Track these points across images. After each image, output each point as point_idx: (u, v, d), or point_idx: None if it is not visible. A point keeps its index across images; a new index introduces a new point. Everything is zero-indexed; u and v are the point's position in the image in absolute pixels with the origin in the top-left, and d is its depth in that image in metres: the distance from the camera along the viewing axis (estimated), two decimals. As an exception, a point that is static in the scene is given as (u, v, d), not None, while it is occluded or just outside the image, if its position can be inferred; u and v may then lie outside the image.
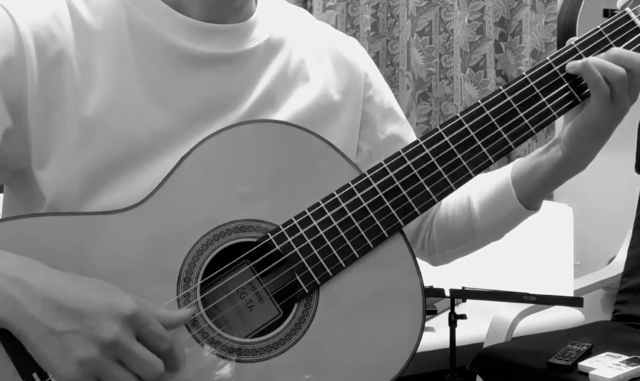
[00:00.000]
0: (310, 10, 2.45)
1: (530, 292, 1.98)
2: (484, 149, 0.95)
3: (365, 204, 0.92)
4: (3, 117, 0.89)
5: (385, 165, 0.94)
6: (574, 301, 2.02)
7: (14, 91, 0.89)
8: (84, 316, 0.79)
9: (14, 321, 0.78)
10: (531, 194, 1.04)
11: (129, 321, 0.80)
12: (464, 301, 2.46)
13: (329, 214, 0.91)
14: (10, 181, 0.97)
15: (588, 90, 0.96)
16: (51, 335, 0.78)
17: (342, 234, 0.91)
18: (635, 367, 1.88)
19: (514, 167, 1.06)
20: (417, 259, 1.19)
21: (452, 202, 1.12)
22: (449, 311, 2.04)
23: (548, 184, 1.03)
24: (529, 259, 2.00)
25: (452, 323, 2.03)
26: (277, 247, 0.90)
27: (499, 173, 1.08)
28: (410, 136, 1.14)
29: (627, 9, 0.98)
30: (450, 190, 0.95)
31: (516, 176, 1.04)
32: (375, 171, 0.93)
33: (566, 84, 0.96)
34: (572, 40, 0.98)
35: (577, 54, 0.97)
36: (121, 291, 0.82)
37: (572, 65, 0.96)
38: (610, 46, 0.97)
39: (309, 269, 0.90)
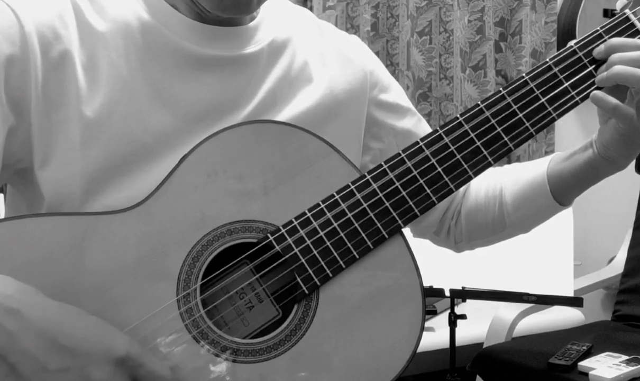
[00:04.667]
0: (310, 10, 2.45)
1: (530, 292, 1.98)
2: (484, 151, 0.95)
3: (365, 205, 0.92)
4: (7, 116, 0.89)
5: (385, 166, 0.94)
6: (574, 301, 2.02)
7: (17, 89, 0.89)
8: (77, 356, 0.77)
9: (7, 353, 0.77)
10: (566, 192, 1.05)
11: (122, 362, 0.78)
12: (464, 301, 2.46)
13: (329, 215, 0.91)
14: (13, 180, 0.97)
15: (588, 92, 0.96)
16: (43, 371, 0.76)
17: (342, 235, 0.91)
18: (635, 367, 1.88)
19: (550, 163, 1.06)
20: (439, 247, 1.20)
21: (484, 193, 1.13)
22: (449, 311, 2.04)
23: (584, 182, 1.04)
24: (529, 259, 2.00)
25: (452, 323, 2.03)
26: (277, 248, 0.90)
27: (533, 167, 1.08)
28: (422, 126, 1.14)
29: (627, 11, 0.98)
30: (451, 191, 0.94)
31: (552, 173, 1.05)
32: (376, 172, 0.93)
33: (566, 85, 0.96)
34: (572, 42, 0.98)
35: (577, 56, 0.97)
36: (116, 329, 0.81)
37: (600, 78, 0.96)
38: None
39: (309, 270, 0.90)
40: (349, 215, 0.92)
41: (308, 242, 0.90)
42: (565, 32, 2.77)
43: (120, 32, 0.94)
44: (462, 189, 1.16)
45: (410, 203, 0.93)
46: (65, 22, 0.92)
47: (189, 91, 0.96)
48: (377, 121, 1.11)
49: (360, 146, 1.10)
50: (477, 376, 2.13)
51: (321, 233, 0.91)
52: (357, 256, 0.91)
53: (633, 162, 2.70)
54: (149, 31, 0.95)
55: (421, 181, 0.94)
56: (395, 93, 1.14)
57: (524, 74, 0.97)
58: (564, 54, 0.97)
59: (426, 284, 0.93)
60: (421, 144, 0.95)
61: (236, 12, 0.95)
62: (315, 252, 0.90)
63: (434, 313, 2.41)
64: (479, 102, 0.96)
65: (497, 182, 1.12)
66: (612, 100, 0.94)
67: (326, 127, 1.01)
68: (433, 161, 0.94)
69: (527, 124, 0.95)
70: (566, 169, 1.04)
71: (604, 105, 0.94)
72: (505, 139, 0.95)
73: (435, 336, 2.27)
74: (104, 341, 0.79)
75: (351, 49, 1.11)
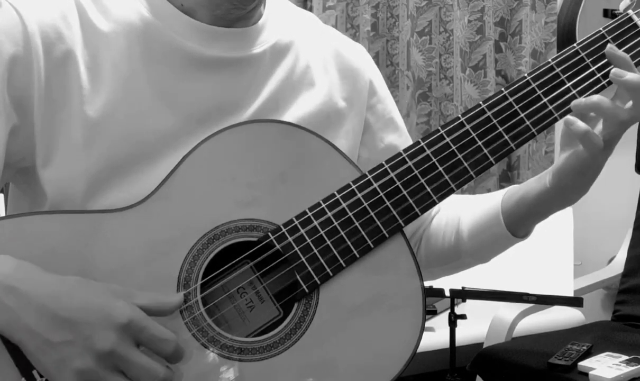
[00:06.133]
0: (310, 10, 2.45)
1: (530, 292, 1.98)
2: (485, 150, 0.95)
3: (366, 204, 0.92)
4: (10, 115, 0.89)
5: (386, 166, 0.94)
6: (574, 301, 2.02)
7: (20, 89, 0.89)
8: (79, 327, 0.78)
9: (11, 330, 0.78)
10: (518, 222, 1.03)
11: (125, 329, 0.79)
12: (464, 301, 2.46)
13: (329, 214, 0.91)
14: (15, 178, 0.97)
15: (590, 92, 0.95)
16: (47, 345, 0.78)
17: (343, 234, 0.91)
18: (635, 367, 1.88)
19: (506, 194, 1.05)
20: None
21: (445, 221, 1.12)
22: (449, 311, 2.04)
23: (535, 213, 1.02)
24: (529, 259, 2.00)
25: (452, 323, 2.03)
26: (278, 246, 0.90)
27: (491, 197, 1.07)
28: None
29: (630, 12, 0.98)
30: (451, 191, 0.94)
31: (506, 203, 1.03)
32: (377, 172, 0.93)
33: (568, 85, 0.96)
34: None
35: (580, 56, 0.96)
36: (117, 296, 0.82)
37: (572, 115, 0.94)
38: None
39: (309, 269, 0.90)
40: (350, 214, 0.92)
41: (308, 241, 0.90)
42: (565, 32, 2.77)
43: (123, 32, 0.94)
44: (429, 215, 1.15)
45: (411, 202, 0.93)
46: (68, 22, 0.92)
47: (192, 91, 0.96)
48: (370, 129, 1.11)
49: (357, 154, 1.10)
50: (477, 376, 2.13)
51: (321, 232, 0.91)
52: (358, 255, 0.91)
53: (633, 162, 2.71)
54: (152, 32, 0.95)
55: (422, 180, 0.94)
56: (391, 107, 1.14)
57: (525, 74, 0.96)
58: (566, 54, 0.97)
59: (426, 284, 0.93)
60: (422, 143, 0.95)
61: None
62: (315, 251, 0.90)
63: (434, 313, 2.41)
64: (481, 102, 0.96)
65: (457, 211, 1.11)
66: (583, 125, 0.92)
67: (326, 133, 1.01)
68: (434, 160, 0.94)
69: (529, 123, 0.95)
70: (519, 199, 1.02)
71: (575, 129, 0.92)
72: (507, 138, 0.95)
73: (435, 336, 2.27)
74: (104, 309, 0.80)
75: (354, 57, 1.11)
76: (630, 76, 0.91)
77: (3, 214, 1.34)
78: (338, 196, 0.92)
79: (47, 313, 0.78)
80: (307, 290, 0.90)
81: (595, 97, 0.92)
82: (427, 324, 2.31)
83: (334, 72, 1.07)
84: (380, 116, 1.12)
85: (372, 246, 0.91)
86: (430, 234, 1.14)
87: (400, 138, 1.14)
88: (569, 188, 0.97)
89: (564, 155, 0.97)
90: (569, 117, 0.93)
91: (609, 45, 0.95)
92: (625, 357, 1.94)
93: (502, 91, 0.96)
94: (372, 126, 1.11)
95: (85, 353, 0.78)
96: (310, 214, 0.91)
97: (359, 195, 0.92)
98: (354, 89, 1.08)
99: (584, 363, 1.92)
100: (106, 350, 0.78)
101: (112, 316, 0.79)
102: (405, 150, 0.95)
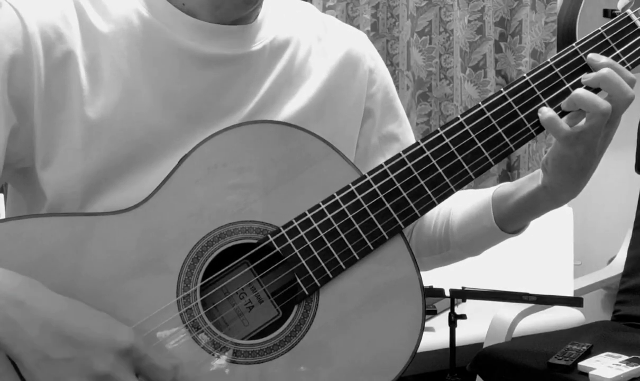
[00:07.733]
0: (310, 10, 2.45)
1: (530, 292, 1.98)
2: (486, 152, 0.95)
3: (365, 206, 0.92)
4: (9, 116, 0.89)
5: (386, 167, 0.94)
6: (574, 301, 2.02)
7: (20, 90, 0.89)
8: (81, 346, 0.78)
9: (11, 343, 0.77)
10: (507, 217, 1.02)
11: (126, 354, 0.79)
12: (464, 301, 2.46)
13: (329, 216, 0.91)
14: (14, 178, 0.97)
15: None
16: (46, 361, 0.77)
17: (342, 236, 0.91)
18: (635, 367, 1.88)
19: (498, 188, 1.05)
20: None
21: (437, 211, 1.12)
22: (449, 311, 2.04)
23: (524, 210, 1.02)
24: (529, 259, 2.00)
25: (452, 323, 2.03)
26: (277, 249, 0.90)
27: (483, 191, 1.07)
28: (408, 137, 1.14)
29: (629, 11, 0.98)
30: (451, 192, 0.94)
31: (497, 196, 1.03)
32: (376, 173, 0.93)
33: (567, 86, 0.96)
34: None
35: (578, 56, 0.96)
36: (120, 322, 0.82)
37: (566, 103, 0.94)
38: (612, 48, 0.96)
39: (309, 271, 0.90)
40: (350, 216, 0.91)
41: (308, 243, 0.90)
42: (565, 32, 2.77)
43: (122, 32, 0.94)
44: None
45: (411, 204, 0.93)
46: (68, 22, 0.92)
47: (191, 90, 0.96)
48: (368, 118, 1.10)
49: (355, 143, 1.09)
50: (477, 376, 2.13)
51: (321, 234, 0.90)
52: (358, 257, 0.91)
53: (633, 162, 2.71)
54: (151, 31, 0.95)
55: (422, 182, 0.93)
56: (391, 96, 1.14)
57: (525, 75, 0.96)
58: (565, 54, 0.96)
59: (426, 284, 0.92)
60: (422, 145, 0.94)
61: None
62: (315, 253, 0.90)
63: (434, 313, 2.41)
64: (480, 103, 0.96)
65: (450, 202, 1.10)
66: (549, 111, 0.93)
67: (325, 123, 1.01)
68: (434, 161, 0.94)
69: (529, 125, 0.95)
70: (510, 194, 1.02)
71: (540, 116, 0.93)
72: (507, 140, 0.95)
73: (435, 336, 2.27)
74: (108, 332, 0.80)
75: (354, 44, 1.10)
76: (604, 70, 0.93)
77: (3, 213, 1.34)
78: (337, 198, 0.92)
79: (50, 329, 0.78)
80: (307, 292, 0.89)
81: (577, 90, 0.93)
82: (427, 324, 2.32)
83: (334, 60, 1.06)
84: (380, 105, 1.11)
85: (372, 248, 0.91)
86: (422, 223, 1.14)
87: (399, 127, 1.13)
88: (557, 186, 0.97)
89: (550, 147, 0.97)
90: (550, 116, 0.94)
91: (589, 55, 0.95)
92: (625, 357, 1.95)
93: (501, 91, 0.96)
94: (372, 115, 1.10)
95: (82, 373, 0.77)
96: (309, 216, 0.91)
97: (359, 197, 0.92)
98: (353, 77, 1.08)
99: (584, 363, 1.92)
100: (103, 373, 0.78)
101: (114, 340, 0.79)
102: (405, 151, 0.94)
